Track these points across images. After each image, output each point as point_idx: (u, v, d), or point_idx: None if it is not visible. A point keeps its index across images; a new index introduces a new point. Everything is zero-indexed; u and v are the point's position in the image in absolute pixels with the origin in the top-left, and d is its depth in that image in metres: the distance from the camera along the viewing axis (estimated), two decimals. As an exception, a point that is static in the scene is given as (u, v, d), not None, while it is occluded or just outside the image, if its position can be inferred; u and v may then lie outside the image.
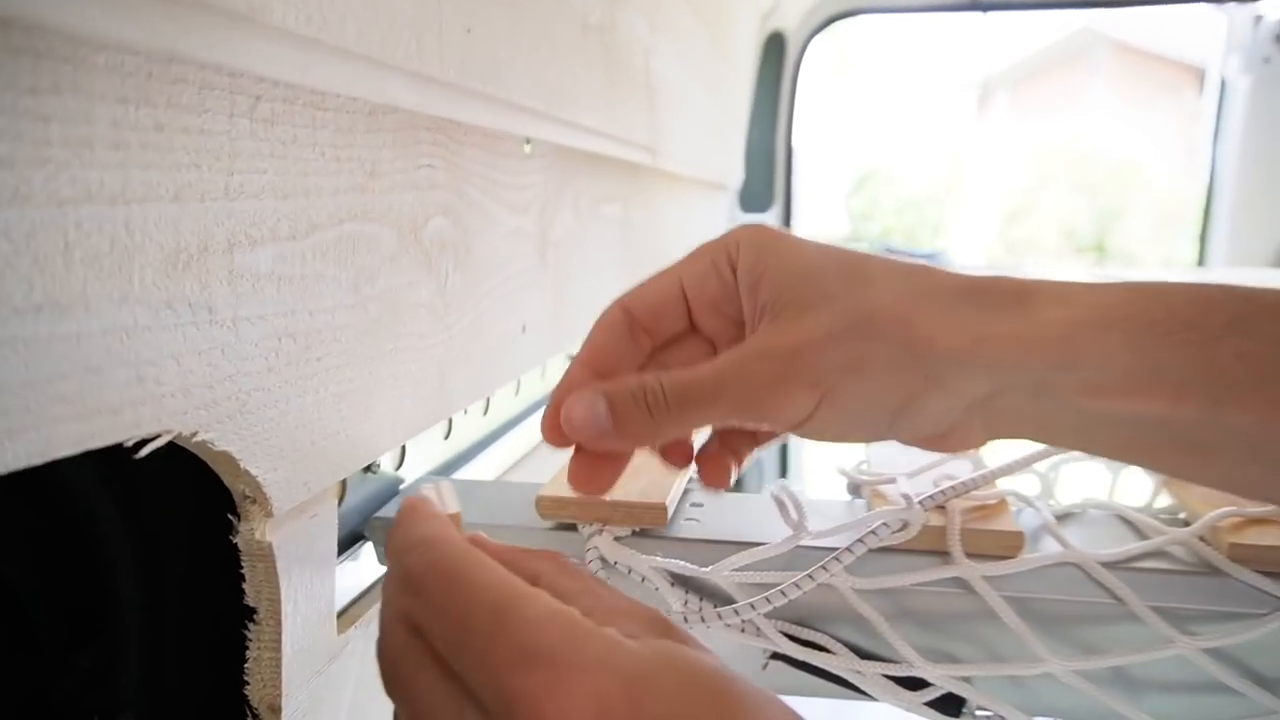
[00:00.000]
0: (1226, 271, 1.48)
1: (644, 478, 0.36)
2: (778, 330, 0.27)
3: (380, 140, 0.33)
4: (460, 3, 0.34)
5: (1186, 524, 0.34)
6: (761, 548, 0.33)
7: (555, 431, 0.29)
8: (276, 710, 0.29)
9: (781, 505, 0.34)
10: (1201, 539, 0.33)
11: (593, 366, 0.30)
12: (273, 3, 0.23)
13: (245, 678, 0.29)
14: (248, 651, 0.29)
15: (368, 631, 0.35)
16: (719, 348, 0.30)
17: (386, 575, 0.25)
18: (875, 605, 0.32)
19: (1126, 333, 0.25)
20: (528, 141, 0.48)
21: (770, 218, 1.62)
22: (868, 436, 0.28)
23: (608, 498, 0.34)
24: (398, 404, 0.36)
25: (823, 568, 0.32)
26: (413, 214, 0.36)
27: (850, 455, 0.40)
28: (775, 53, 1.56)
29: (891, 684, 0.33)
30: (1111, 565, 0.32)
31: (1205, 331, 0.25)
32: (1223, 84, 1.69)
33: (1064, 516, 0.37)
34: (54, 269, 0.19)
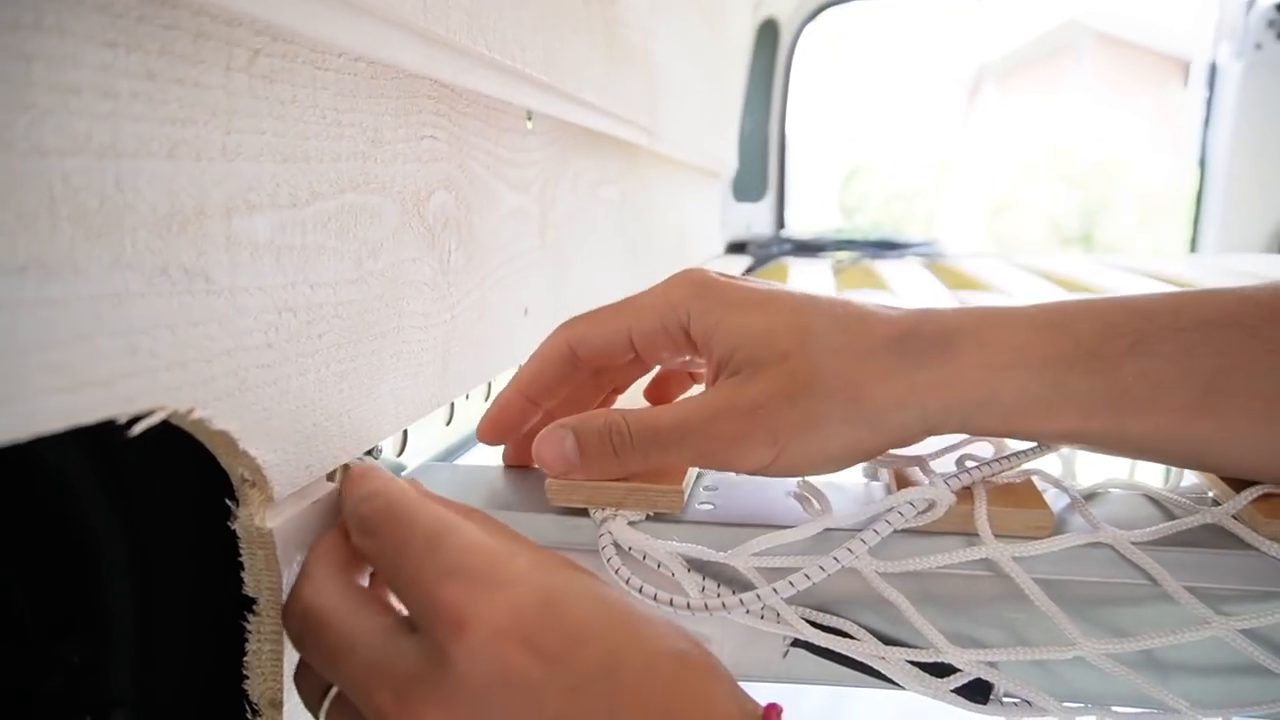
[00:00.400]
0: (1219, 258, 1.48)
1: (657, 460, 0.34)
2: (738, 387, 0.30)
3: (382, 106, 0.31)
4: (464, -37, 0.33)
5: (1216, 503, 0.33)
6: (784, 531, 0.31)
7: (489, 436, 0.34)
8: (278, 705, 0.27)
9: (803, 500, 0.32)
10: (1235, 517, 0.31)
11: (529, 394, 0.34)
12: (273, -55, 0.21)
13: (245, 671, 0.27)
14: (247, 644, 0.27)
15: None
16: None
17: (327, 531, 0.27)
18: (899, 588, 0.31)
19: (1038, 369, 0.29)
20: (529, 117, 0.46)
21: (763, 207, 1.61)
22: (819, 473, 0.32)
23: (623, 484, 0.33)
24: (400, 386, 0.34)
25: (847, 549, 0.30)
26: (415, 187, 0.34)
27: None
28: (769, 40, 1.54)
29: (917, 670, 0.32)
30: (1143, 545, 0.31)
31: (1108, 359, 0.29)
32: (1214, 70, 1.69)
33: (1090, 497, 0.35)
34: (39, 226, 0.18)
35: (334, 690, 0.25)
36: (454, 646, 0.22)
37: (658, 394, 0.38)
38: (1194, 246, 1.75)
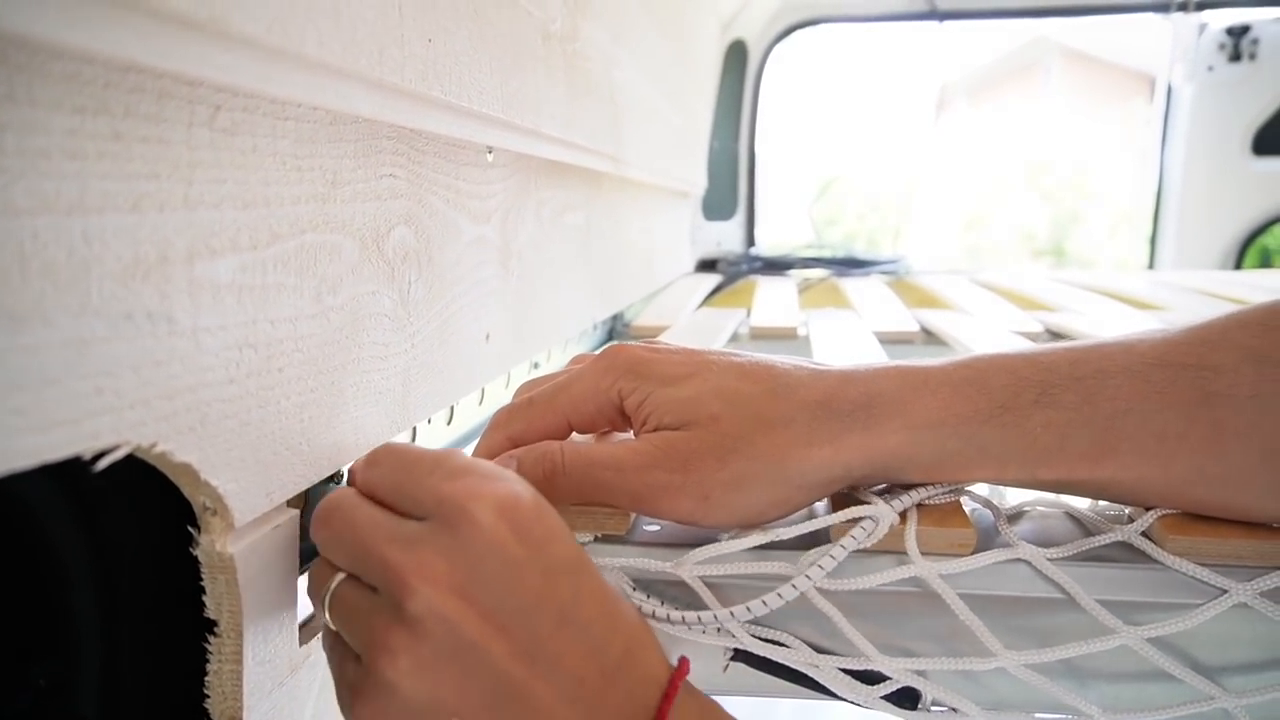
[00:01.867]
0: (1175, 274, 1.52)
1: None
2: (671, 441, 0.32)
3: (341, 150, 0.33)
4: (422, 14, 0.34)
5: (1130, 520, 0.35)
6: (725, 543, 0.33)
7: None
8: (239, 722, 0.29)
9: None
10: (1144, 534, 0.34)
11: None
12: (232, 12, 0.23)
13: (206, 691, 0.29)
14: (208, 665, 0.28)
15: (332, 641, 0.35)
16: None
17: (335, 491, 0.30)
18: (833, 601, 0.33)
19: (954, 426, 0.32)
20: (490, 150, 0.48)
21: (733, 225, 1.63)
22: (743, 526, 0.34)
23: (574, 507, 0.34)
24: (361, 414, 0.36)
25: (806, 576, 0.32)
26: (375, 223, 0.36)
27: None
28: (737, 61, 1.57)
29: (848, 678, 0.33)
30: (1059, 561, 0.33)
31: (1018, 411, 0.32)
32: (1169, 91, 1.75)
33: (1015, 515, 0.38)
34: (11, 281, 0.19)
35: (339, 576, 0.28)
36: (460, 521, 0.26)
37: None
38: (1152, 263, 1.80)
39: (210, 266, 0.26)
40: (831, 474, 0.32)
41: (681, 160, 1.20)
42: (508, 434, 0.35)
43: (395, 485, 0.28)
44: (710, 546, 0.33)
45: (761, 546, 0.34)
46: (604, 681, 0.26)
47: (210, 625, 0.28)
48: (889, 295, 1.12)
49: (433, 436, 0.51)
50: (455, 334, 0.45)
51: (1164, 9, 1.50)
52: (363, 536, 0.27)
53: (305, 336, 0.31)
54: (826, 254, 1.45)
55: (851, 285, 1.25)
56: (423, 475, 0.28)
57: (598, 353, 0.36)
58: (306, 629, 0.34)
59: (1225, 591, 0.32)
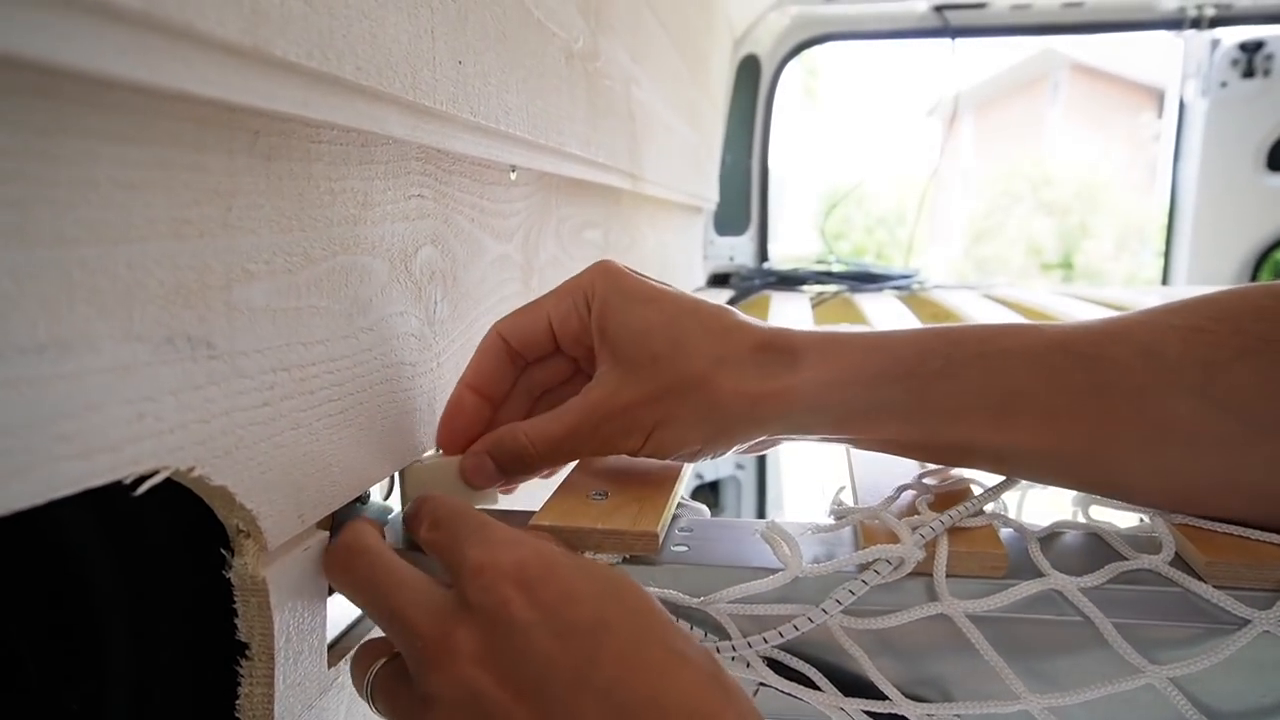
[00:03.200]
0: (1188, 289, 1.52)
1: (634, 506, 0.36)
2: (614, 391, 0.35)
3: (372, 171, 0.33)
4: (452, 37, 0.35)
5: (1157, 547, 0.34)
6: (755, 583, 0.33)
7: (447, 440, 0.38)
8: (269, 746, 0.29)
9: (773, 544, 0.34)
10: (1172, 563, 0.33)
11: (475, 386, 0.38)
12: (276, 39, 0.23)
13: (237, 714, 0.29)
14: (240, 688, 0.28)
15: (358, 663, 0.35)
16: (580, 365, 0.39)
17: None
18: (859, 639, 0.33)
19: (864, 384, 0.35)
20: (513, 169, 0.48)
21: (745, 240, 1.63)
22: (681, 459, 0.38)
23: (599, 525, 0.34)
24: (388, 433, 0.36)
25: (823, 610, 0.32)
26: (403, 244, 0.36)
27: (833, 478, 0.41)
28: (749, 77, 1.58)
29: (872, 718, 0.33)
30: (1089, 590, 0.33)
31: (921, 378, 0.34)
32: (1181, 106, 1.74)
33: (1046, 538, 0.37)
34: (58, 308, 0.19)
35: (379, 663, 0.29)
36: (470, 587, 0.27)
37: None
38: (1166, 279, 1.79)
39: (247, 290, 0.26)
40: (749, 424, 0.35)
41: (695, 176, 1.20)
42: (499, 326, 0.38)
43: (446, 550, 0.29)
44: (740, 587, 0.33)
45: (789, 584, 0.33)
46: None
47: (243, 648, 0.28)
48: (903, 310, 1.12)
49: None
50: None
51: (1177, 25, 1.50)
52: (392, 600, 0.28)
53: (336, 359, 0.31)
54: (840, 268, 1.45)
55: (865, 300, 1.25)
56: (462, 542, 0.29)
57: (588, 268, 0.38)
58: (335, 651, 0.34)
59: (1249, 621, 0.31)
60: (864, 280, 1.35)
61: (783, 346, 0.35)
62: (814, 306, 1.21)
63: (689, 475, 0.42)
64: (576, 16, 0.52)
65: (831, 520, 0.40)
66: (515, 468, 0.37)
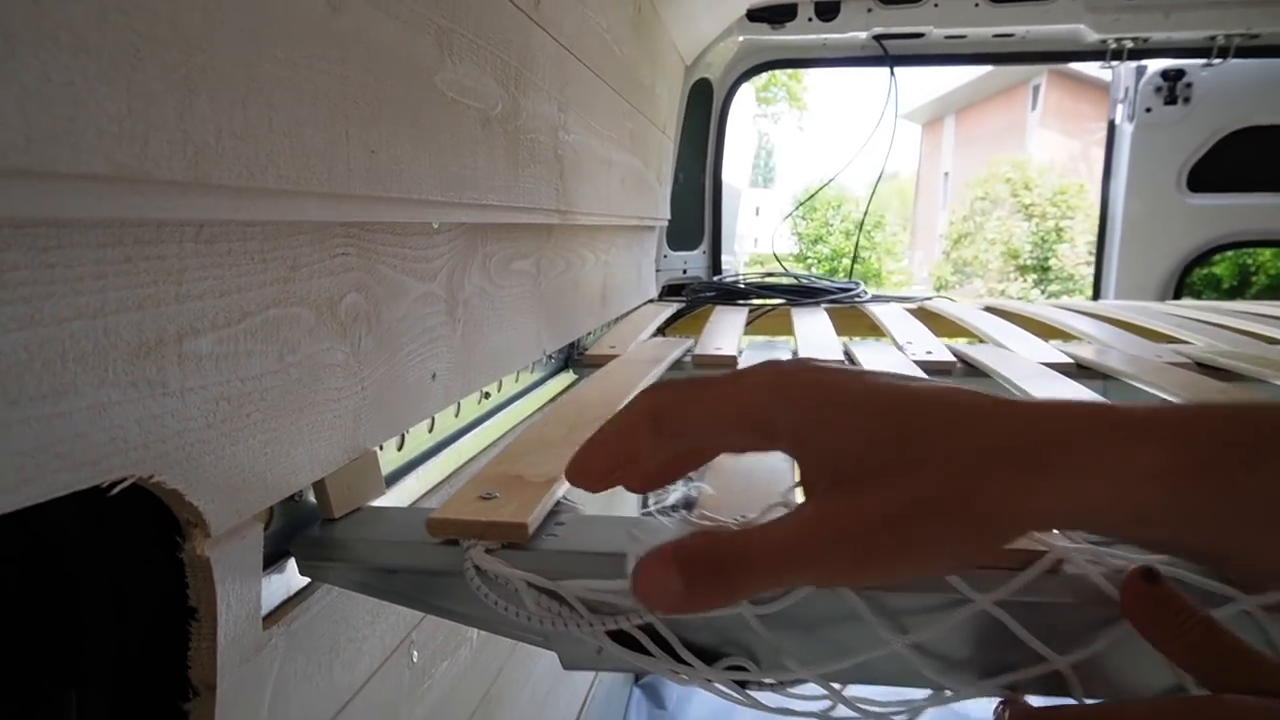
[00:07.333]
0: (1116, 303, 1.62)
1: (516, 503, 0.45)
2: (847, 507, 0.29)
3: (300, 240, 0.42)
4: (365, 130, 0.43)
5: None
6: (603, 582, 0.42)
7: (577, 478, 0.34)
8: (212, 688, 0.38)
9: (633, 539, 0.43)
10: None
11: (617, 457, 0.33)
12: (212, 170, 0.32)
13: (188, 662, 0.37)
14: (190, 642, 0.37)
15: (289, 630, 0.44)
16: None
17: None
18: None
19: (1162, 480, 0.28)
20: (435, 223, 0.57)
21: (698, 254, 1.73)
22: (925, 577, 0.34)
23: (481, 518, 0.43)
24: (315, 447, 0.44)
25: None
26: (329, 294, 0.45)
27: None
28: (701, 100, 1.67)
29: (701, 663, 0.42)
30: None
31: (1225, 470, 0.28)
32: (1111, 130, 1.85)
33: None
34: (55, 368, 0.28)
35: None
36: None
37: None
38: (1097, 293, 1.90)
39: (195, 343, 0.35)
40: (1016, 527, 0.29)
41: (640, 199, 1.29)
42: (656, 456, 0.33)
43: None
44: (593, 582, 0.42)
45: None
46: None
47: (193, 612, 0.37)
48: (828, 325, 1.22)
49: (384, 460, 0.59)
50: (402, 377, 0.54)
51: (1100, 57, 1.61)
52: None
53: (269, 389, 0.40)
54: (786, 281, 1.55)
55: (802, 314, 1.34)
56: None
57: (757, 366, 0.33)
58: (269, 619, 0.42)
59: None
60: (803, 294, 1.45)
61: (1042, 437, 0.29)
62: (751, 320, 1.30)
63: (565, 486, 0.51)
64: (494, 87, 0.61)
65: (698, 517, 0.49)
66: (712, 585, 0.30)
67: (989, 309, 1.40)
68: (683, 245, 1.70)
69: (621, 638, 0.42)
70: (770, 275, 1.58)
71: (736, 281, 1.52)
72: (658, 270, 1.61)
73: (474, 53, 0.57)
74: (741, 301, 1.45)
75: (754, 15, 1.59)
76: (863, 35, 1.62)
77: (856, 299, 1.45)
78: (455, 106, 0.55)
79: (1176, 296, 1.80)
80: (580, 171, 0.87)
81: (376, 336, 0.50)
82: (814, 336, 1.13)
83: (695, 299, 1.46)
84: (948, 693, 0.40)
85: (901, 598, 0.40)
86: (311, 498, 0.48)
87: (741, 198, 1.95)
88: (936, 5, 1.54)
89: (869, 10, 1.55)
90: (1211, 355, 0.90)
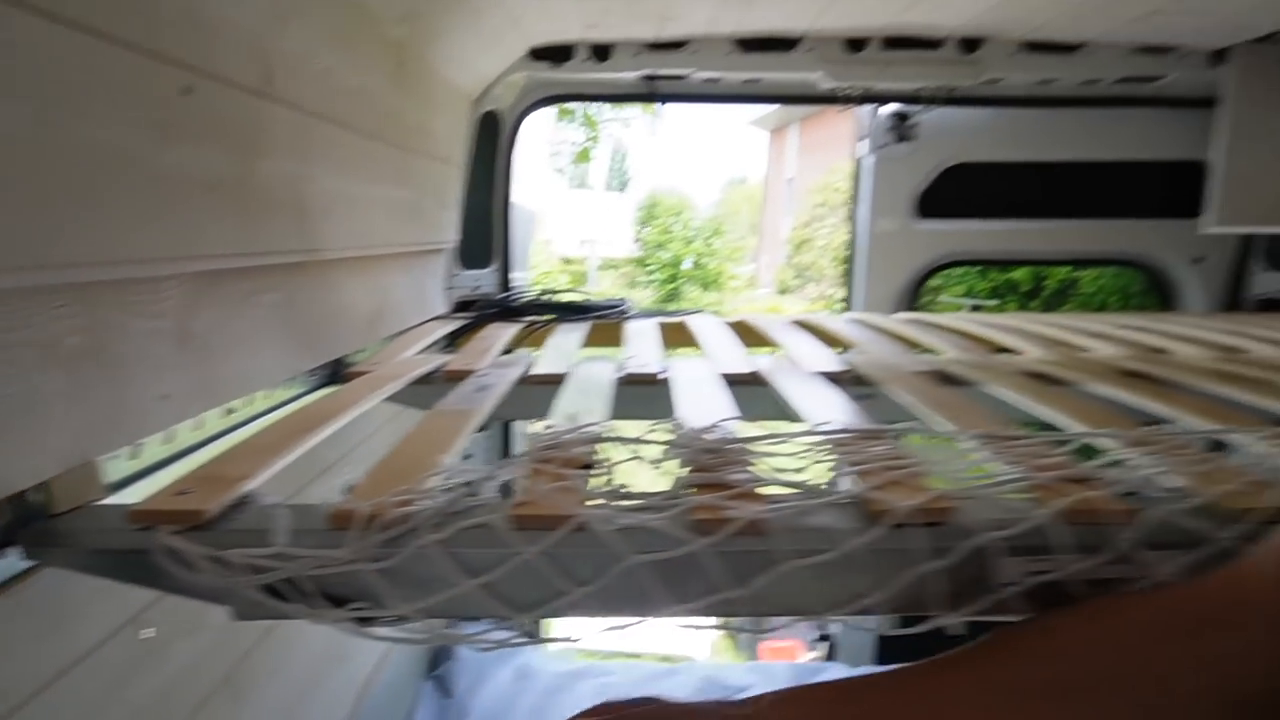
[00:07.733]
0: (863, 314, 1.89)
1: (206, 494, 0.59)
2: None
3: (23, 299, 0.54)
4: (82, 211, 0.57)
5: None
6: (258, 550, 0.56)
7: None
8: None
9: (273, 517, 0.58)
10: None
11: None
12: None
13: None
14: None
15: (16, 601, 0.56)
16: None
17: None
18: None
19: None
20: (160, 274, 0.70)
21: (489, 272, 1.88)
22: None
23: (168, 508, 0.57)
24: (36, 460, 0.57)
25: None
26: (51, 338, 0.58)
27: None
28: (489, 130, 1.83)
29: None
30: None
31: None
32: (858, 162, 2.14)
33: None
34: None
35: None
36: None
37: None
38: (849, 306, 2.19)
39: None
40: None
41: (417, 226, 1.43)
42: None
43: None
44: (244, 551, 0.57)
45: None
46: None
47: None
48: (577, 341, 1.41)
49: (115, 469, 0.72)
50: (130, 398, 0.67)
51: (832, 101, 1.88)
52: None
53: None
54: (563, 300, 1.73)
55: (566, 329, 1.53)
56: None
57: None
58: (-3, 591, 0.55)
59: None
60: (573, 311, 1.63)
61: None
62: (520, 334, 1.47)
63: (255, 481, 0.65)
64: (220, 160, 0.75)
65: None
66: None
67: (796, 322, 1.62)
68: (475, 264, 1.85)
69: (273, 592, 0.57)
70: (547, 293, 1.75)
71: (516, 299, 1.69)
72: (450, 288, 1.75)
73: (194, 138, 0.70)
74: (518, 319, 1.62)
75: (537, 54, 1.76)
76: (633, 76, 1.82)
77: (621, 315, 1.65)
78: (176, 181, 0.68)
79: (910, 308, 2.11)
80: (330, 212, 1.01)
81: (100, 366, 0.63)
82: (562, 347, 1.31)
83: (479, 315, 1.61)
84: (511, 621, 0.58)
85: (481, 554, 0.57)
86: (40, 497, 0.61)
87: (535, 219, 2.12)
88: (694, 52, 1.76)
89: (636, 55, 1.75)
90: (954, 367, 1.13)
